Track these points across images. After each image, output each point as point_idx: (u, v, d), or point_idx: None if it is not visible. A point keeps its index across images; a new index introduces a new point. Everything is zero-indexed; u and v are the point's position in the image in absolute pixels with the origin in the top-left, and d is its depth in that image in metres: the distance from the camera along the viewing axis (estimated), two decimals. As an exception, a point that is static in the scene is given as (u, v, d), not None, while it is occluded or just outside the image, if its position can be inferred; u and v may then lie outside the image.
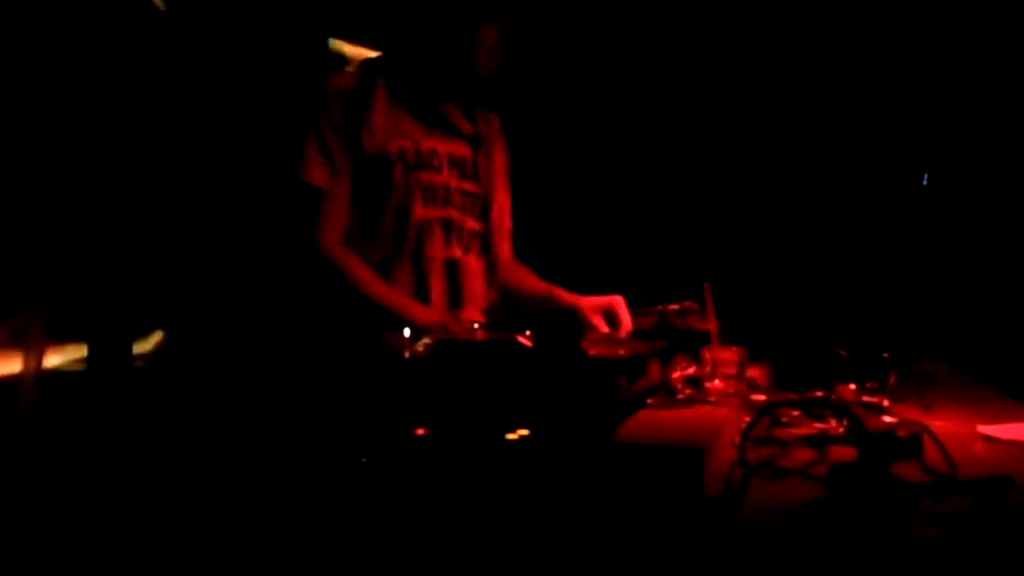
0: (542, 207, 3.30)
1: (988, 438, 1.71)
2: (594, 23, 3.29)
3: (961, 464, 1.41)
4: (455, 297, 2.29)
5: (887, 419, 1.75)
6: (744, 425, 1.56)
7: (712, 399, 1.80)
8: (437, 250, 2.26)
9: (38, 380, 2.28)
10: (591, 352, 1.65)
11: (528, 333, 1.57)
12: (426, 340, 1.57)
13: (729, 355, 1.90)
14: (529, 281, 2.50)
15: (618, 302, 2.27)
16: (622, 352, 1.69)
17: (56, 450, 2.18)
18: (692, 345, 1.90)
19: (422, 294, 2.24)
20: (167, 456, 1.87)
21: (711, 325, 1.91)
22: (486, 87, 2.35)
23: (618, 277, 3.11)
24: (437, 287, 2.26)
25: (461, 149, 2.36)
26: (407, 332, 1.57)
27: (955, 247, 3.00)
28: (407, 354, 1.56)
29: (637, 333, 2.13)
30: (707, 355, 1.88)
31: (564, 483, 1.34)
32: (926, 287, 2.94)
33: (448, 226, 2.28)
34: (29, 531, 1.43)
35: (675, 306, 2.01)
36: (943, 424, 1.71)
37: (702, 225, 3.23)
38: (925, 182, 3.06)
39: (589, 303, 2.32)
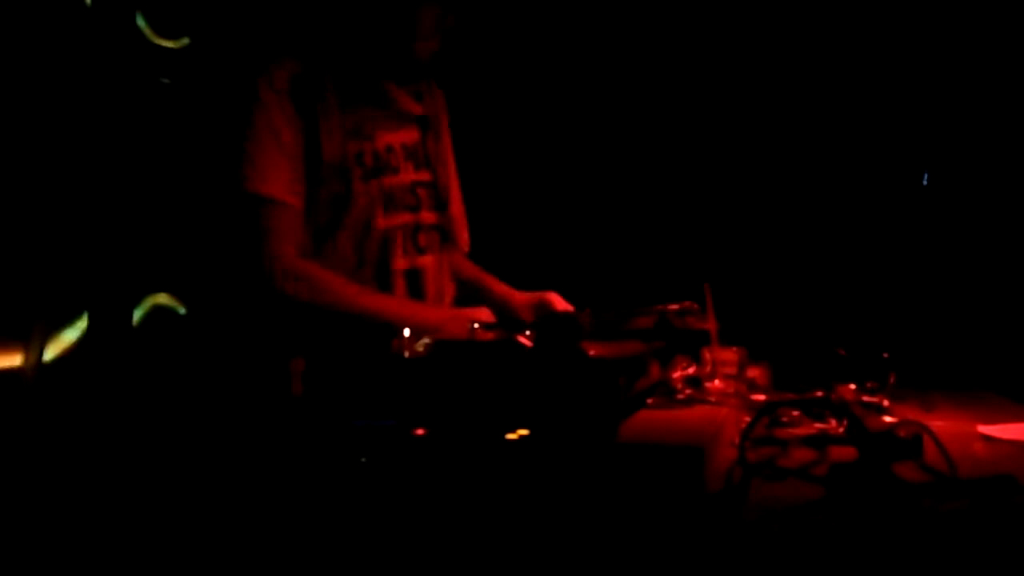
0: (542, 207, 3.30)
1: (988, 438, 1.71)
2: (595, 23, 3.29)
3: (961, 464, 1.41)
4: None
5: (887, 419, 1.75)
6: (744, 425, 1.56)
7: (712, 399, 1.81)
8: (399, 261, 2.09)
9: (36, 372, 2.27)
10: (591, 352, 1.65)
11: (528, 333, 1.57)
12: (426, 340, 1.56)
13: (729, 355, 1.90)
14: (463, 266, 2.35)
15: (552, 297, 2.22)
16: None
17: (54, 443, 2.19)
18: (692, 345, 1.90)
19: None
20: (167, 455, 1.87)
21: (711, 325, 1.91)
22: (433, 68, 2.18)
23: (618, 277, 3.12)
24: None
25: (412, 135, 2.16)
26: (407, 332, 1.56)
27: (955, 247, 3.00)
28: (407, 354, 1.55)
29: (637, 333, 2.13)
30: (707, 355, 1.88)
31: (564, 483, 1.34)
32: (926, 287, 2.94)
33: (408, 231, 2.12)
34: (28, 525, 1.43)
35: (675, 306, 2.00)
36: (943, 424, 1.71)
37: (702, 225, 3.23)
38: (925, 182, 3.06)
39: (521, 298, 2.27)
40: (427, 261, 2.15)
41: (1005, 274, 2.90)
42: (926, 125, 3.05)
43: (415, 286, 2.12)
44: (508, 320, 2.21)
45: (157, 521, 1.54)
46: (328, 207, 2.03)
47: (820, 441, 1.61)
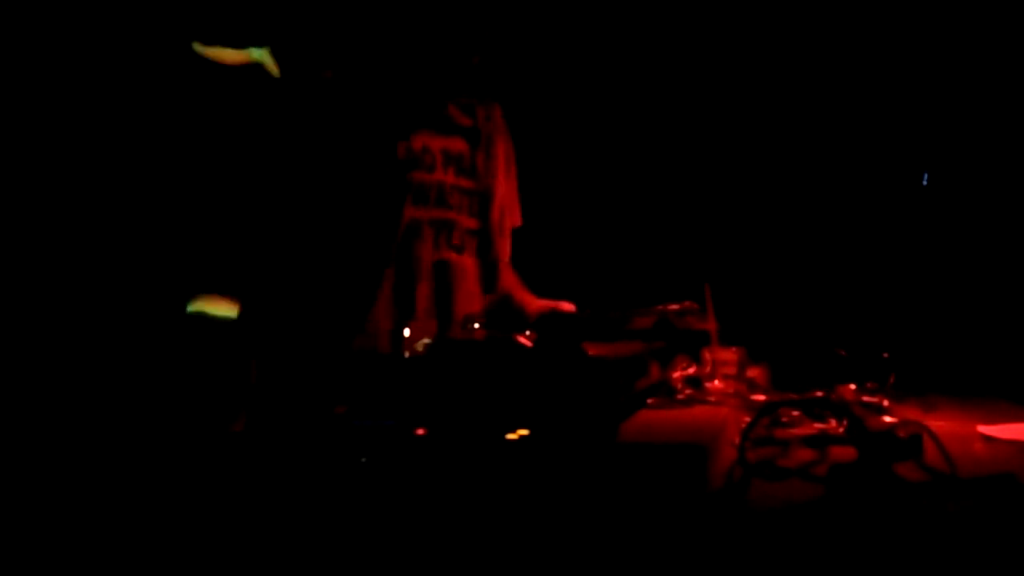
0: (542, 206, 3.30)
1: (988, 438, 1.71)
2: (595, 23, 3.29)
3: (961, 464, 1.41)
4: (444, 300, 2.22)
5: (887, 419, 1.75)
6: (744, 425, 1.56)
7: (712, 399, 1.81)
8: (425, 252, 2.21)
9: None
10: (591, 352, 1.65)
11: (528, 333, 1.57)
12: (426, 340, 1.57)
13: (729, 355, 1.90)
14: (504, 275, 2.42)
15: (566, 307, 2.29)
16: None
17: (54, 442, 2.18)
18: (692, 345, 1.90)
19: (407, 297, 2.18)
20: (167, 455, 1.87)
21: (711, 325, 1.92)
22: (484, 79, 2.33)
23: (618, 277, 3.12)
24: (423, 290, 2.20)
25: (458, 144, 2.30)
26: (407, 332, 1.56)
27: (954, 247, 3.00)
28: (407, 354, 1.56)
29: (637, 333, 2.13)
30: (707, 355, 1.89)
31: (565, 483, 1.34)
32: (926, 288, 2.94)
33: (439, 226, 2.23)
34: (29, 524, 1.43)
35: (675, 306, 2.00)
36: (943, 424, 1.71)
37: (702, 225, 3.23)
38: (925, 182, 3.06)
39: (535, 305, 2.34)
40: (460, 259, 2.26)
41: (1005, 274, 2.90)
42: (926, 125, 3.05)
43: (442, 282, 2.22)
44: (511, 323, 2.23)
45: (157, 521, 1.54)
46: (359, 193, 2.16)
47: (820, 441, 1.61)
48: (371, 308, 2.12)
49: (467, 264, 2.28)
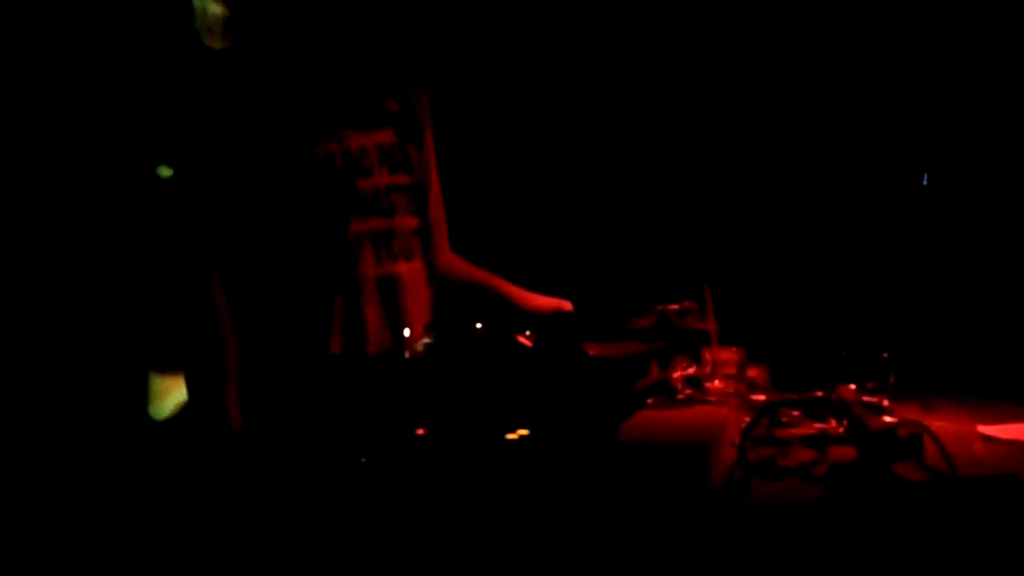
0: (542, 207, 3.30)
1: (988, 438, 1.71)
2: (593, 21, 3.30)
3: (961, 464, 1.41)
4: (394, 317, 1.97)
5: (887, 419, 1.75)
6: (744, 425, 1.56)
7: (712, 399, 1.81)
8: (368, 267, 1.94)
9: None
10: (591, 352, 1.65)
11: (528, 333, 1.57)
12: (426, 340, 1.57)
13: (729, 355, 1.90)
14: (461, 268, 2.25)
15: (569, 307, 2.19)
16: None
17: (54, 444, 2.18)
18: (692, 345, 1.90)
19: (355, 318, 1.92)
20: (168, 455, 1.87)
21: (711, 325, 1.92)
22: (412, 67, 2.11)
23: (618, 277, 3.12)
24: (371, 311, 1.94)
25: (388, 137, 2.02)
26: (407, 332, 1.56)
27: (954, 248, 3.00)
28: (407, 354, 1.56)
29: (637, 333, 2.13)
30: (707, 355, 1.89)
31: (565, 483, 1.34)
32: (926, 288, 2.94)
33: (378, 237, 1.97)
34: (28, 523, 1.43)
35: (675, 306, 2.00)
36: (943, 424, 1.71)
37: (702, 225, 3.23)
38: (925, 182, 3.06)
39: (536, 303, 2.20)
40: (408, 267, 2.02)
41: (1005, 274, 2.90)
42: (926, 125, 3.05)
43: (390, 297, 1.97)
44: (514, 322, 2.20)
45: (157, 521, 1.54)
46: (292, 208, 1.91)
47: (820, 441, 1.61)
48: (325, 337, 1.89)
49: (415, 270, 2.04)
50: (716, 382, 1.86)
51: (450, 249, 2.26)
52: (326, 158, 1.92)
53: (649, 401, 1.72)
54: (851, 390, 1.86)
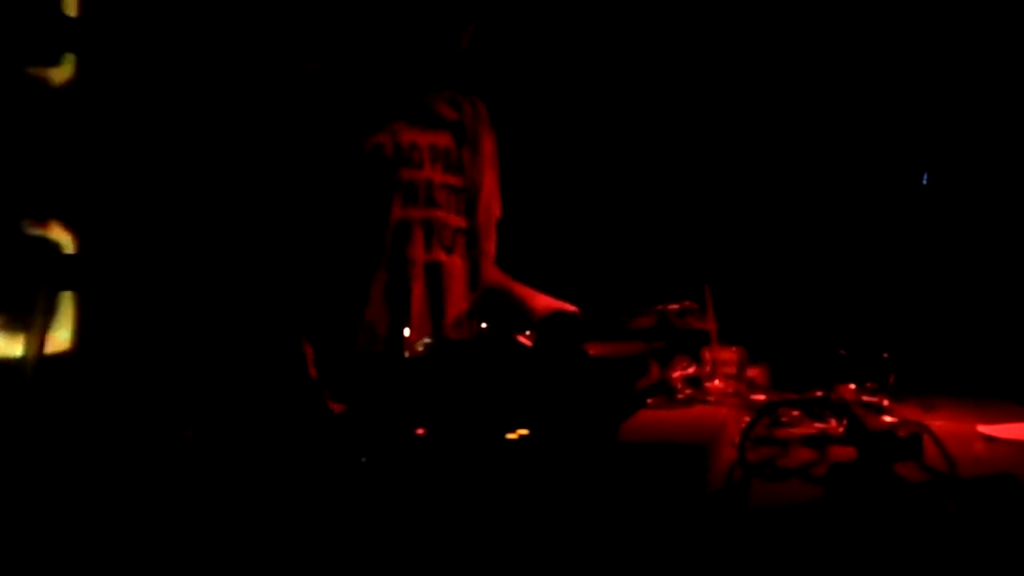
0: (542, 206, 3.30)
1: (988, 438, 1.71)
2: (593, 23, 3.30)
3: (961, 464, 1.41)
4: (436, 301, 2.16)
5: (887, 419, 1.75)
6: (744, 425, 1.56)
7: (712, 399, 1.81)
8: (417, 253, 2.13)
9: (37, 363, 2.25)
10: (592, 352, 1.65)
11: (528, 333, 1.57)
12: (426, 340, 1.57)
13: (729, 355, 1.90)
14: (493, 274, 2.38)
15: (571, 310, 2.24)
16: None
17: (52, 437, 2.18)
18: (692, 345, 1.90)
19: (401, 299, 2.10)
20: (168, 454, 1.87)
21: (711, 325, 1.91)
22: (470, 72, 2.26)
23: (618, 277, 3.12)
24: (417, 292, 2.12)
25: (444, 140, 2.22)
26: (407, 332, 1.56)
27: (955, 248, 3.00)
28: (407, 354, 1.56)
29: (637, 333, 2.13)
30: (707, 355, 1.88)
31: (565, 483, 1.34)
32: (926, 287, 2.94)
33: (429, 226, 2.15)
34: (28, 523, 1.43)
35: (675, 306, 2.00)
36: (943, 424, 1.71)
37: (702, 225, 3.23)
38: (925, 182, 3.06)
39: (540, 303, 2.29)
40: (450, 260, 2.19)
41: (1005, 274, 2.90)
42: (926, 125, 3.05)
43: (435, 283, 2.15)
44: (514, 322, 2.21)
45: (157, 520, 1.54)
46: (346, 193, 2.09)
47: (820, 441, 1.61)
48: (363, 311, 2.05)
49: (457, 264, 2.22)
50: (716, 382, 1.86)
51: (492, 254, 2.39)
52: (375, 148, 2.10)
53: (649, 401, 1.72)
54: (851, 390, 1.86)
